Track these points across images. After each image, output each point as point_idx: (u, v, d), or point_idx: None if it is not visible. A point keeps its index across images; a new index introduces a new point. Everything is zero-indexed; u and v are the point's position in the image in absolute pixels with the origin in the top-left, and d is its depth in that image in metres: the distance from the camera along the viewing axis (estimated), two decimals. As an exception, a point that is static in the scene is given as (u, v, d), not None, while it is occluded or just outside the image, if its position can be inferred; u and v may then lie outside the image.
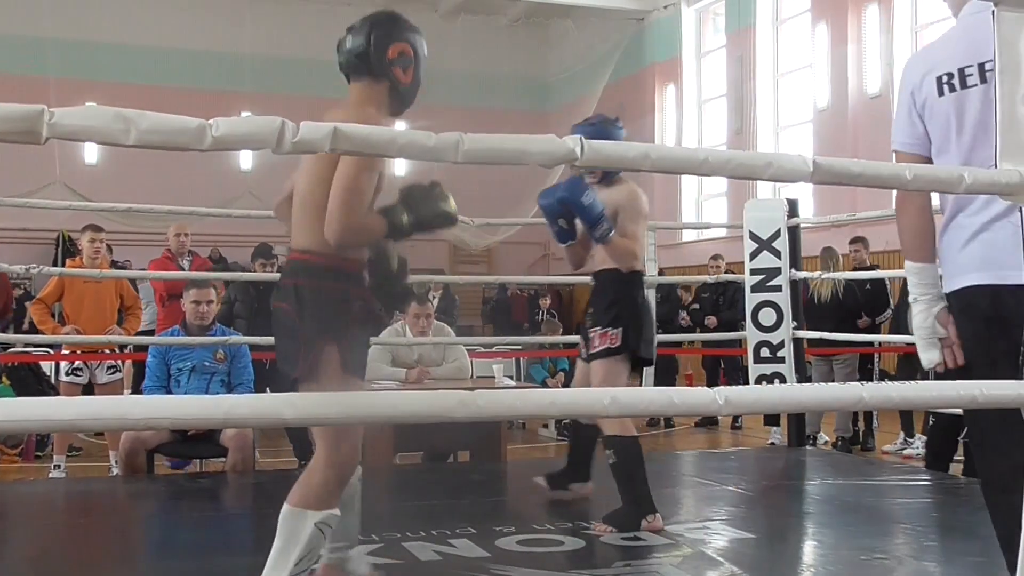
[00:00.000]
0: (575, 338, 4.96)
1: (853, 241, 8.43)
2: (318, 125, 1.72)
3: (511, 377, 9.54)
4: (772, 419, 7.56)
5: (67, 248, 14.52)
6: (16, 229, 14.84)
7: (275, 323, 2.75)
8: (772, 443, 7.47)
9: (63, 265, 10.46)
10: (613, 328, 4.04)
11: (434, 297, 9.97)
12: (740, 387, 1.73)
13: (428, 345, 6.24)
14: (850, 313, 7.81)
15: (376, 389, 5.92)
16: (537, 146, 1.88)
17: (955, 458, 5.90)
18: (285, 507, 2.64)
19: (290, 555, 2.61)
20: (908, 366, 7.44)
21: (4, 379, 7.41)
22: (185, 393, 5.44)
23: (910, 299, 2.54)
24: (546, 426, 9.32)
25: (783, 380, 5.89)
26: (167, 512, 4.58)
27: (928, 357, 2.44)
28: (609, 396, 1.68)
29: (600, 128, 4.20)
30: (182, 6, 16.33)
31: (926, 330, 2.44)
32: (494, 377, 6.96)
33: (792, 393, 1.83)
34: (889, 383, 1.83)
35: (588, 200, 3.87)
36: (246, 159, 16.80)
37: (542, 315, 12.23)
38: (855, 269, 8.25)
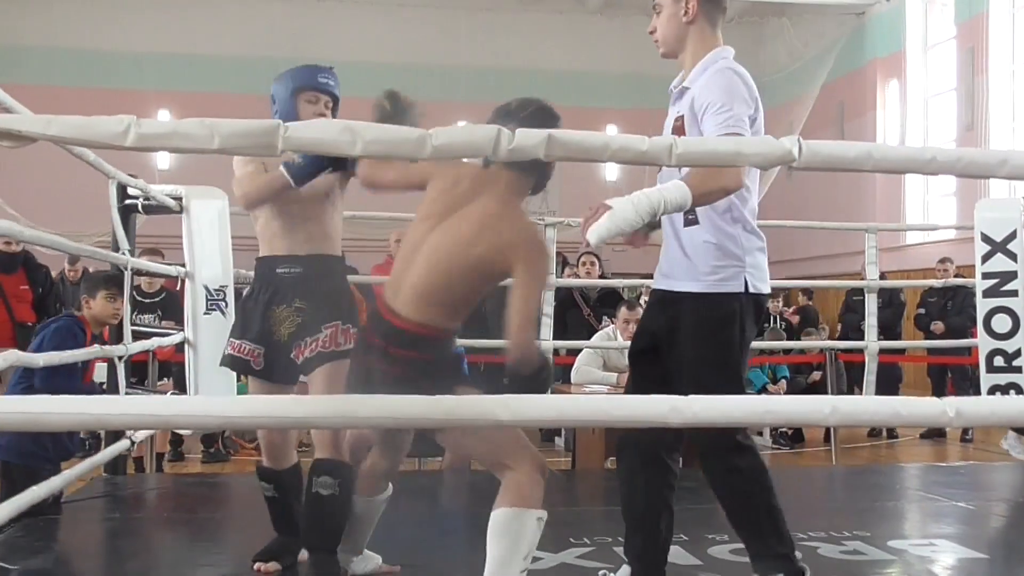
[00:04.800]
0: (795, 344, 4.80)
1: None
2: (533, 132, 1.75)
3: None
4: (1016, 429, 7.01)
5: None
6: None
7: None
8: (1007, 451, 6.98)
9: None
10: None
11: (645, 302, 9.91)
12: (973, 398, 1.63)
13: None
14: None
15: (587, 393, 5.96)
16: (752, 147, 1.85)
17: None
18: (503, 511, 2.63)
19: (518, 554, 2.62)
20: None
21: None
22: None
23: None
24: (760, 434, 9.10)
25: (1020, 391, 5.51)
26: (389, 506, 4.75)
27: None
28: (830, 405, 1.62)
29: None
30: (401, 22, 16.97)
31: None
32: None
33: (1033, 406, 1.70)
34: None
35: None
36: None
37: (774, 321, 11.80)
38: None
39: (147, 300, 7.47)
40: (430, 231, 2.77)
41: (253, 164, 3.30)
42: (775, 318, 11.64)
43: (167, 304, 7.37)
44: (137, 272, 5.01)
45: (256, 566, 3.40)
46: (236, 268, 5.41)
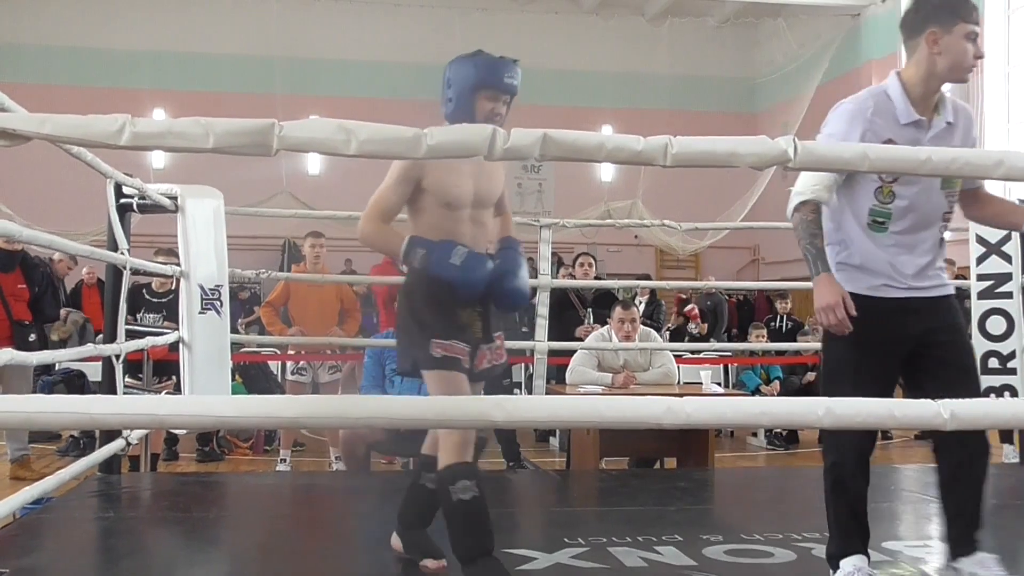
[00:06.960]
0: (789, 345, 4.81)
1: None
2: (528, 132, 1.75)
3: (719, 384, 9.37)
4: (1006, 435, 7.03)
5: (292, 254, 15.38)
6: (247, 236, 15.84)
7: None
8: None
9: (289, 270, 11.07)
10: None
11: (640, 302, 9.92)
12: (968, 400, 1.63)
13: (634, 350, 6.23)
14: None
15: (581, 394, 5.96)
16: (748, 148, 1.84)
17: None
18: None
19: None
20: None
21: (237, 377, 7.91)
22: (398, 393, 5.64)
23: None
24: (755, 435, 9.11)
25: (1015, 393, 5.52)
26: (384, 505, 4.76)
27: None
28: (824, 407, 1.62)
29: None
30: (396, 21, 16.98)
31: None
32: (701, 383, 6.85)
33: (1026, 407, 1.70)
34: None
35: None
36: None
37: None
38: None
39: (155, 300, 7.48)
40: None
41: (403, 187, 3.14)
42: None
43: (174, 304, 7.37)
44: (137, 272, 4.99)
45: (425, 563, 3.33)
46: (231, 268, 5.40)
